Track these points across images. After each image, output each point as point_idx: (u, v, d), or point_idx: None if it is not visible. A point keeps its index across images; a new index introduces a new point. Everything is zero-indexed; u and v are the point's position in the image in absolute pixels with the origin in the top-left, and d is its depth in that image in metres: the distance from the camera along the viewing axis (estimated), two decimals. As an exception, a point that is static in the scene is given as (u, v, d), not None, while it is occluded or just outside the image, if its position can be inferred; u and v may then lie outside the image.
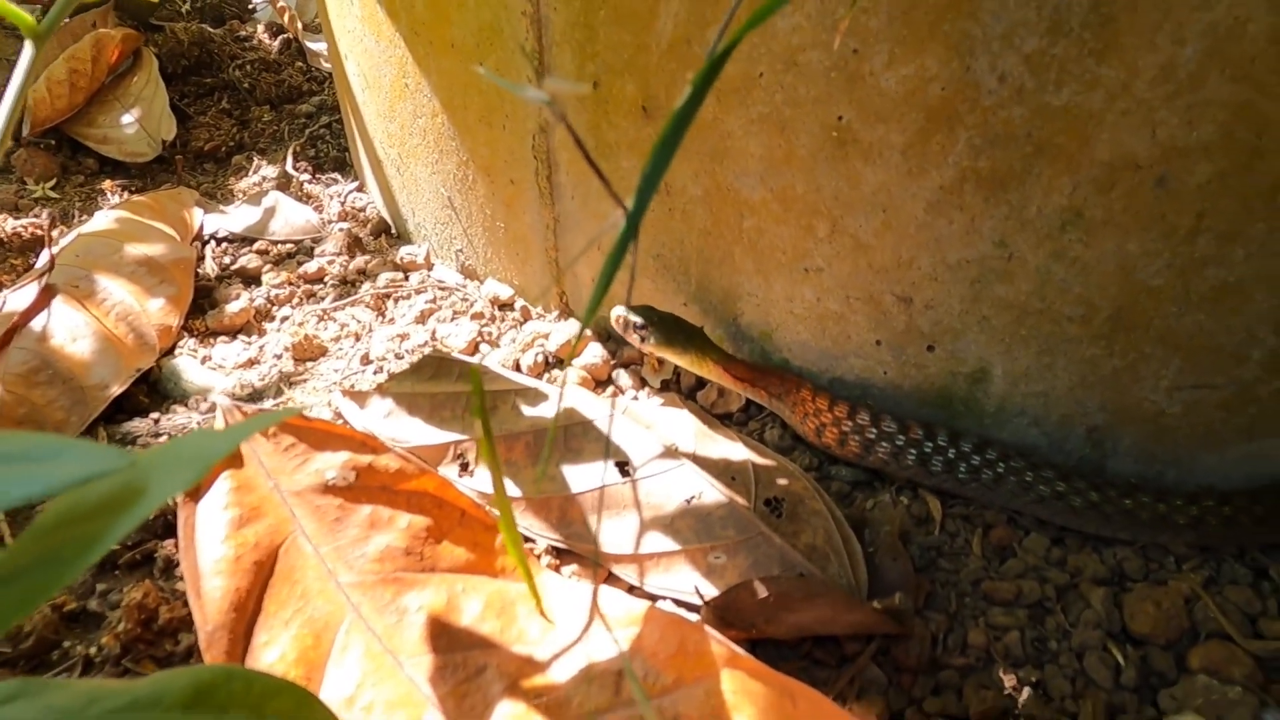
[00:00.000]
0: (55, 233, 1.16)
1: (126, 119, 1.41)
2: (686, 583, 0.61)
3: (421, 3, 0.80)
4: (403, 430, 0.69)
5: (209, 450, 0.28)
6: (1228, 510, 0.62)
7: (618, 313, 0.73)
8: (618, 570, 0.63)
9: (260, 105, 1.51)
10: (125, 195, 1.29)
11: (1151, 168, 0.55)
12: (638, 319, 0.71)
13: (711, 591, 0.60)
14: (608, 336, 0.84)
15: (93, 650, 0.61)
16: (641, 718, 0.52)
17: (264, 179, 1.32)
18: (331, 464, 0.58)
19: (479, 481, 0.67)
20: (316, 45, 1.71)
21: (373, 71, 0.96)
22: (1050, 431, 0.68)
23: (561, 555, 0.65)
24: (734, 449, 0.68)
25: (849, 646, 0.59)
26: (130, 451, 0.28)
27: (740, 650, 0.50)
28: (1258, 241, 0.56)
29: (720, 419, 0.76)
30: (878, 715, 0.55)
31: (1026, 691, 0.56)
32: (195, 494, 0.55)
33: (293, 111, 1.50)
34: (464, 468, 0.67)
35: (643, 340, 0.71)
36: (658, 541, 0.62)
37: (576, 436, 0.68)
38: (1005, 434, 0.69)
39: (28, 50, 0.44)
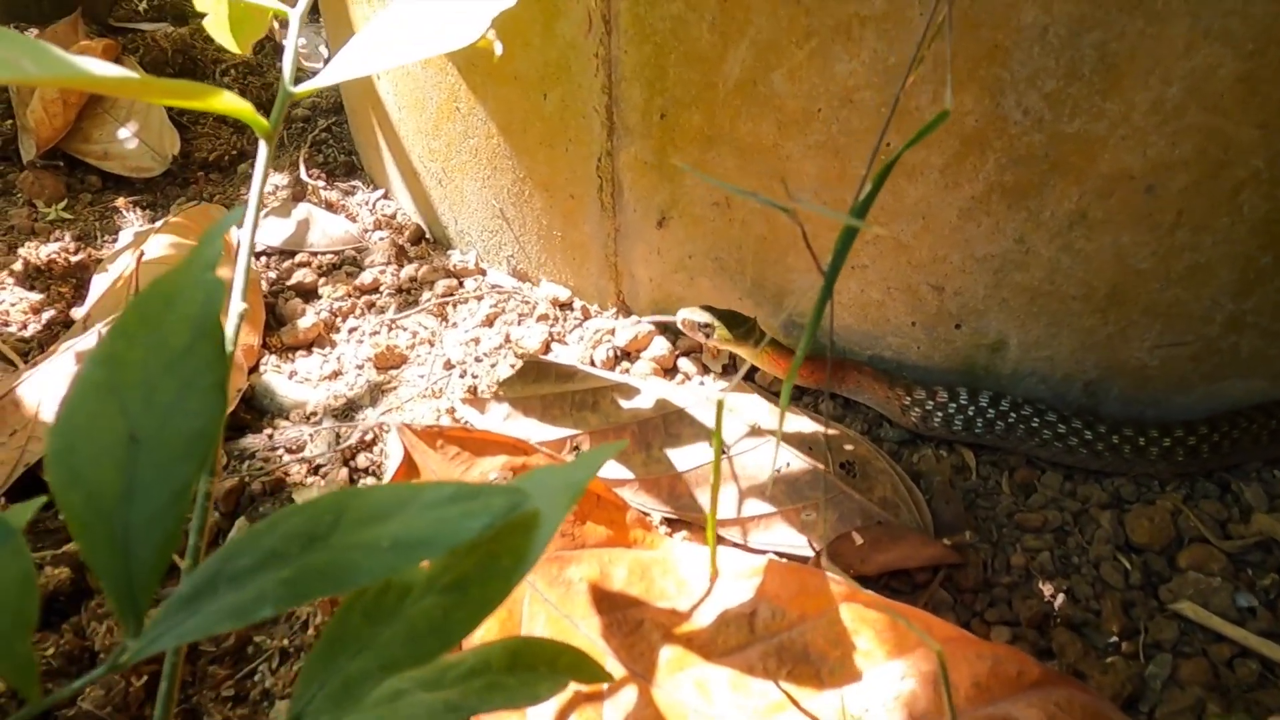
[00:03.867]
0: (82, 255, 1.20)
1: (124, 133, 1.43)
2: (784, 538, 0.74)
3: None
4: (522, 430, 0.79)
5: (574, 481, 0.39)
6: (1191, 441, 0.78)
7: (683, 315, 0.84)
8: (723, 532, 0.75)
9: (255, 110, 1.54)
10: (139, 211, 1.33)
11: (1143, 178, 0.69)
12: (701, 318, 0.83)
13: (803, 542, 0.73)
14: (663, 329, 0.96)
15: (286, 643, 0.71)
16: (776, 648, 0.65)
17: (276, 187, 1.36)
18: (492, 466, 0.69)
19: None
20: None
21: (414, 94, 1.03)
22: (1054, 387, 0.83)
23: (673, 524, 0.77)
24: (803, 423, 0.81)
25: (918, 576, 0.73)
26: (489, 484, 0.38)
27: (856, 585, 0.64)
28: (1222, 231, 0.70)
29: (776, 394, 0.88)
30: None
31: (1060, 598, 0.72)
32: (391, 503, 0.65)
33: (288, 116, 1.53)
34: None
35: (707, 337, 0.83)
36: (756, 506, 0.75)
37: (674, 423, 0.79)
38: (1018, 391, 0.84)
39: (263, 149, 0.52)
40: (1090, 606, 0.71)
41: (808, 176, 0.77)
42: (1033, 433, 0.79)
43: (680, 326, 0.84)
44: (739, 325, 0.82)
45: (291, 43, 0.56)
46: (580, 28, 0.79)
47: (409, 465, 0.68)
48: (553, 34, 0.81)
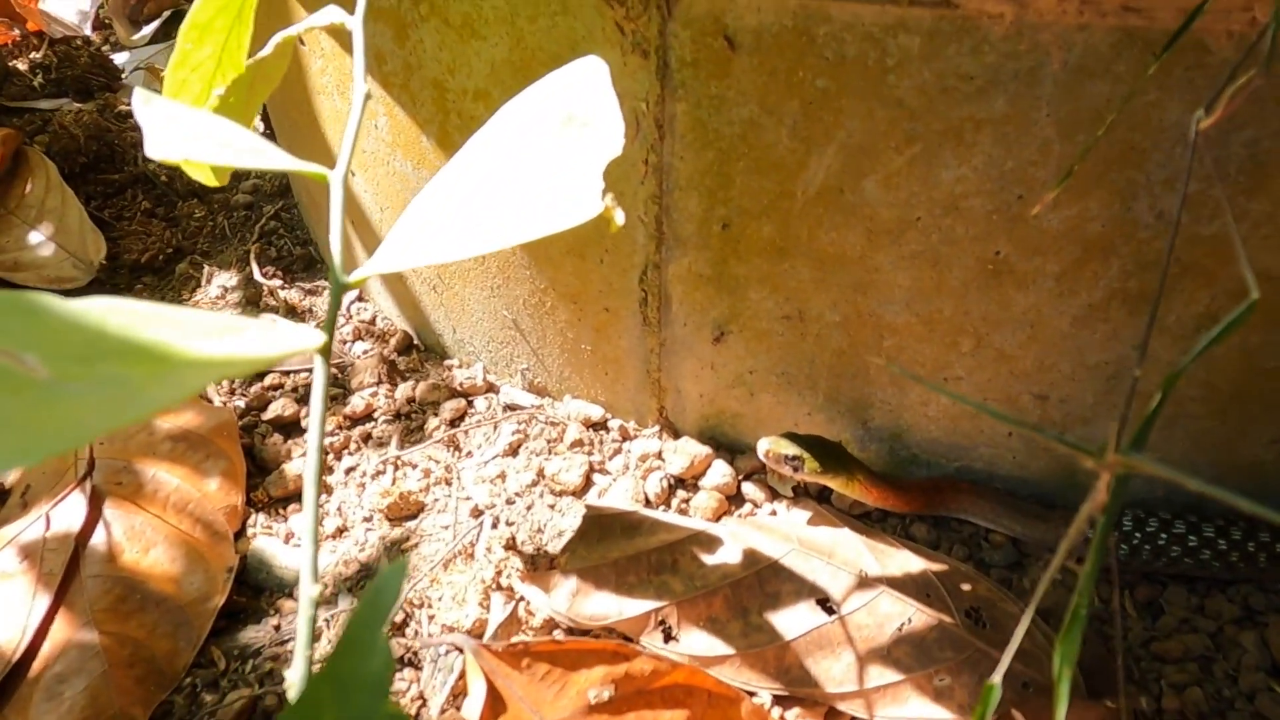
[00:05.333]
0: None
1: (36, 237, 1.24)
2: (919, 711, 0.64)
3: (492, 139, 0.76)
4: (597, 608, 0.67)
5: None
6: (1331, 542, 0.72)
7: (765, 447, 0.74)
8: (843, 706, 0.65)
9: (186, 200, 1.37)
10: (65, 330, 1.15)
11: (1282, 278, 0.62)
12: (789, 450, 0.73)
13: (943, 714, 0.64)
14: (718, 446, 0.85)
15: None
16: None
17: (225, 290, 1.20)
18: (589, 683, 0.57)
19: (684, 646, 0.67)
20: (221, 117, 1.56)
21: (399, 193, 0.90)
22: (1162, 490, 0.76)
23: (783, 701, 0.66)
24: (907, 559, 0.72)
25: (1068, 735, 0.64)
26: None
27: (1042, 790, 0.55)
28: (1359, 326, 0.64)
29: (858, 519, 0.79)
30: (1126, 801, 0.61)
31: (1226, 744, 0.64)
32: (481, 757, 0.53)
33: (227, 202, 1.37)
34: (667, 636, 0.67)
35: (795, 470, 0.73)
36: (880, 674, 0.65)
37: (769, 580, 0.69)
38: (1121, 496, 0.77)
39: (320, 369, 0.39)
40: (1258, 751, 0.64)
41: (900, 289, 0.68)
42: (1160, 551, 0.72)
43: (764, 459, 0.74)
44: (829, 454, 0.73)
45: (337, 220, 0.44)
46: (626, 132, 0.68)
47: (494, 699, 0.55)
48: (588, 138, 0.70)
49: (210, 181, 0.62)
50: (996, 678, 0.36)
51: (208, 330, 0.33)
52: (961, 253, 0.65)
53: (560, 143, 0.43)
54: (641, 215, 0.72)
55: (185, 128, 0.39)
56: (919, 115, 0.59)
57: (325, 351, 0.40)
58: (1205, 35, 0.52)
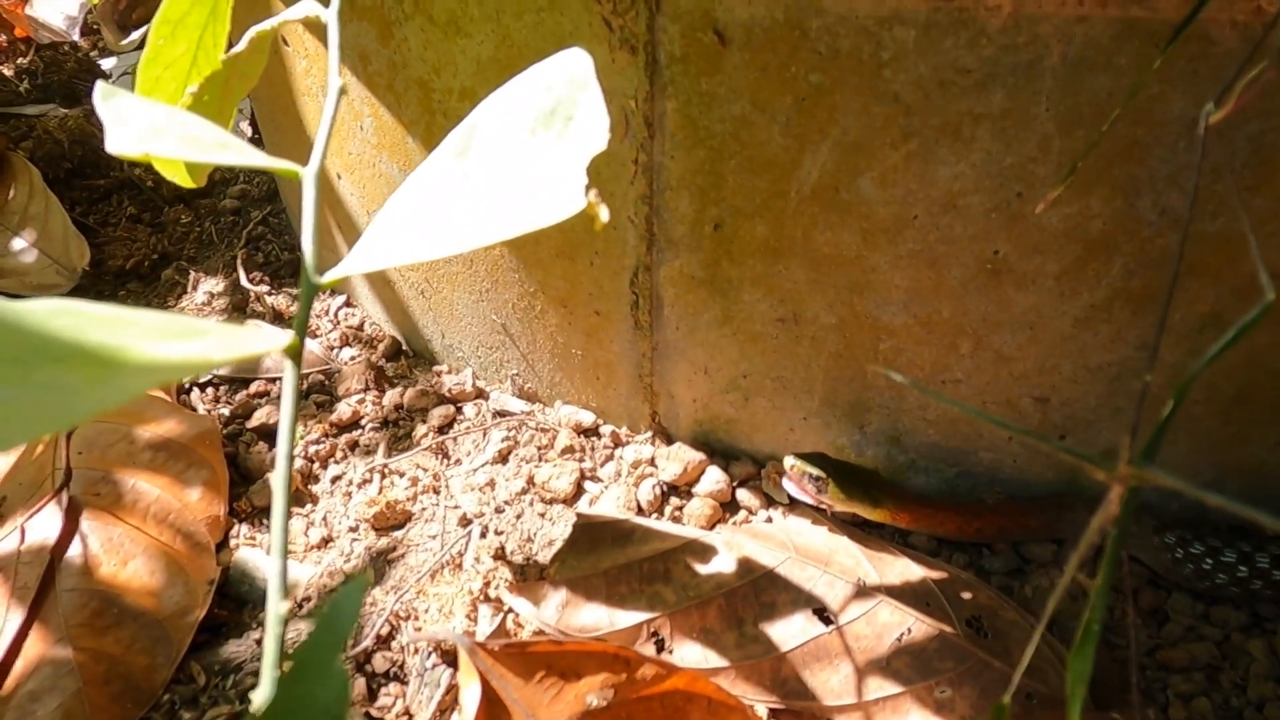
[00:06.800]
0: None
1: (18, 243, 1.22)
2: (920, 723, 0.62)
3: (479, 140, 0.74)
4: (587, 619, 0.65)
5: None
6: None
7: (792, 461, 0.72)
8: (841, 719, 0.63)
9: (172, 205, 1.35)
10: (47, 338, 1.13)
11: (1288, 276, 0.61)
12: (814, 470, 0.71)
13: (944, 725, 0.62)
14: (712, 452, 0.83)
15: None
16: None
17: (211, 296, 1.18)
18: (589, 687, 0.55)
19: (677, 658, 0.65)
20: (208, 121, 1.54)
21: (388, 198, 0.88)
22: (1163, 492, 0.75)
23: (780, 715, 0.64)
24: (906, 567, 0.70)
25: (1073, 747, 0.63)
26: None
27: (1049, 807, 0.53)
28: (1367, 325, 0.63)
29: (856, 526, 0.77)
30: (1134, 817, 0.59)
31: (1235, 756, 0.63)
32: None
33: (214, 208, 1.35)
34: (660, 647, 0.65)
35: (819, 491, 0.71)
36: (879, 686, 0.63)
37: (765, 589, 0.67)
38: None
39: (289, 375, 0.38)
40: (1268, 763, 0.62)
41: (897, 289, 0.67)
42: (1178, 563, 0.70)
43: (788, 474, 0.72)
44: (858, 482, 0.71)
45: (309, 218, 0.42)
46: (615, 131, 0.66)
47: (489, 701, 0.53)
48: (576, 137, 0.69)
49: (186, 183, 0.60)
50: (1007, 697, 0.34)
51: (164, 332, 0.31)
52: (960, 252, 0.63)
53: (543, 138, 0.42)
54: (632, 216, 0.70)
55: (148, 123, 0.38)
56: (915, 111, 0.58)
57: (294, 353, 0.38)
58: (1209, 25, 0.51)
